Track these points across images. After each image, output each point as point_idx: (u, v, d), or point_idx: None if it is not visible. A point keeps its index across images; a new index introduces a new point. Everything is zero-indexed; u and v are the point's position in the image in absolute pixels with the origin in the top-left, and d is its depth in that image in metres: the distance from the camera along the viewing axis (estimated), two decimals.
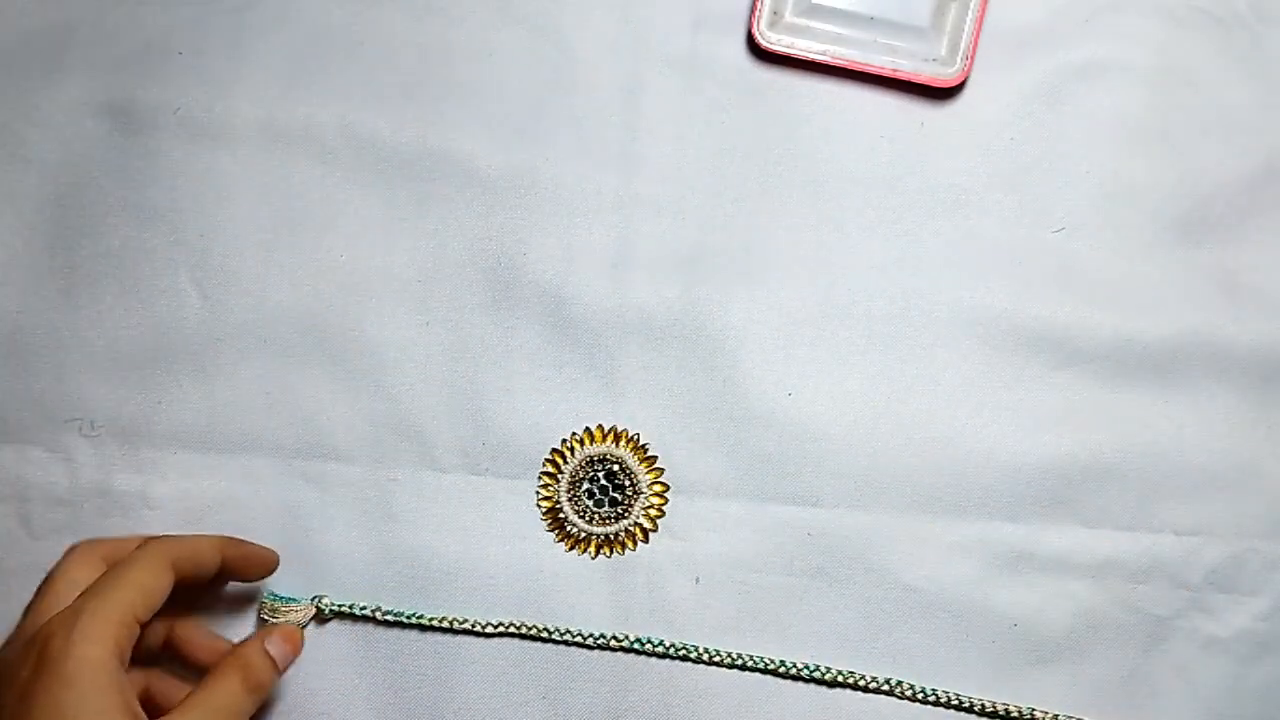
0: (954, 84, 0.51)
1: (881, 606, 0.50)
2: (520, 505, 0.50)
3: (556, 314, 0.51)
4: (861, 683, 0.49)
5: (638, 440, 0.51)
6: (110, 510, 0.50)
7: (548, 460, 0.51)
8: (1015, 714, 0.49)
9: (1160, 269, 0.51)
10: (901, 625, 0.50)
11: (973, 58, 0.51)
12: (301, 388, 0.51)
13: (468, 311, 0.51)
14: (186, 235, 0.51)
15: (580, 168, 0.52)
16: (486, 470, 0.50)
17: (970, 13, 0.51)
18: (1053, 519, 0.50)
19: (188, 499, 0.50)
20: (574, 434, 0.51)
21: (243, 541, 0.47)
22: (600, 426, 0.51)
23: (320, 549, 0.50)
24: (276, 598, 0.49)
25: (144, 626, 0.41)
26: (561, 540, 0.50)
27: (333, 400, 0.51)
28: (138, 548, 0.43)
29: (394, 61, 0.52)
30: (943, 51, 0.52)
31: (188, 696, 0.41)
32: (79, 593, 0.41)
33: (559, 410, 0.51)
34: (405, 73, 0.52)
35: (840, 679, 0.49)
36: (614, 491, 0.50)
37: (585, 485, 0.51)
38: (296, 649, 0.46)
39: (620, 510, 0.50)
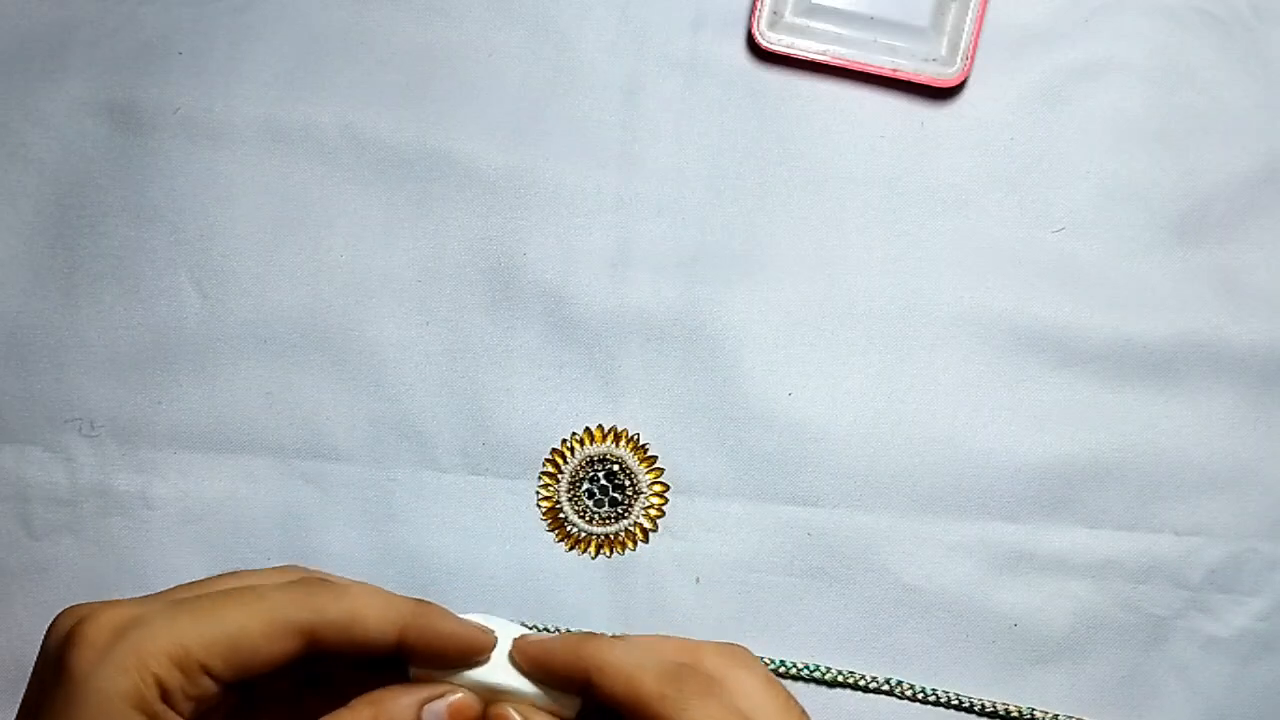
0: (954, 84, 0.51)
1: (881, 606, 0.50)
2: (520, 505, 0.50)
3: (556, 314, 0.51)
4: (861, 683, 0.49)
5: (638, 440, 0.51)
6: (110, 510, 0.50)
7: (548, 460, 0.51)
8: (1015, 714, 0.49)
9: (1160, 269, 0.51)
10: (901, 625, 0.50)
11: (973, 58, 0.51)
12: (301, 388, 0.51)
13: (468, 311, 0.51)
14: (186, 235, 0.51)
15: (580, 168, 0.52)
16: (486, 470, 0.50)
17: (970, 13, 0.51)
18: (1053, 519, 0.50)
19: (188, 499, 0.50)
20: (574, 434, 0.51)
21: (442, 615, 0.33)
22: (600, 426, 0.51)
23: (320, 549, 0.50)
24: None
25: (234, 685, 0.30)
26: (561, 540, 0.50)
27: (333, 400, 0.51)
28: (276, 585, 0.32)
29: (394, 61, 0.52)
30: (943, 51, 0.52)
31: None
32: None
33: (559, 410, 0.51)
34: (405, 73, 0.52)
35: (840, 679, 0.49)
36: (614, 491, 0.50)
37: (585, 485, 0.51)
38: None
39: (620, 510, 0.50)
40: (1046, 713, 0.49)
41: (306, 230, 0.51)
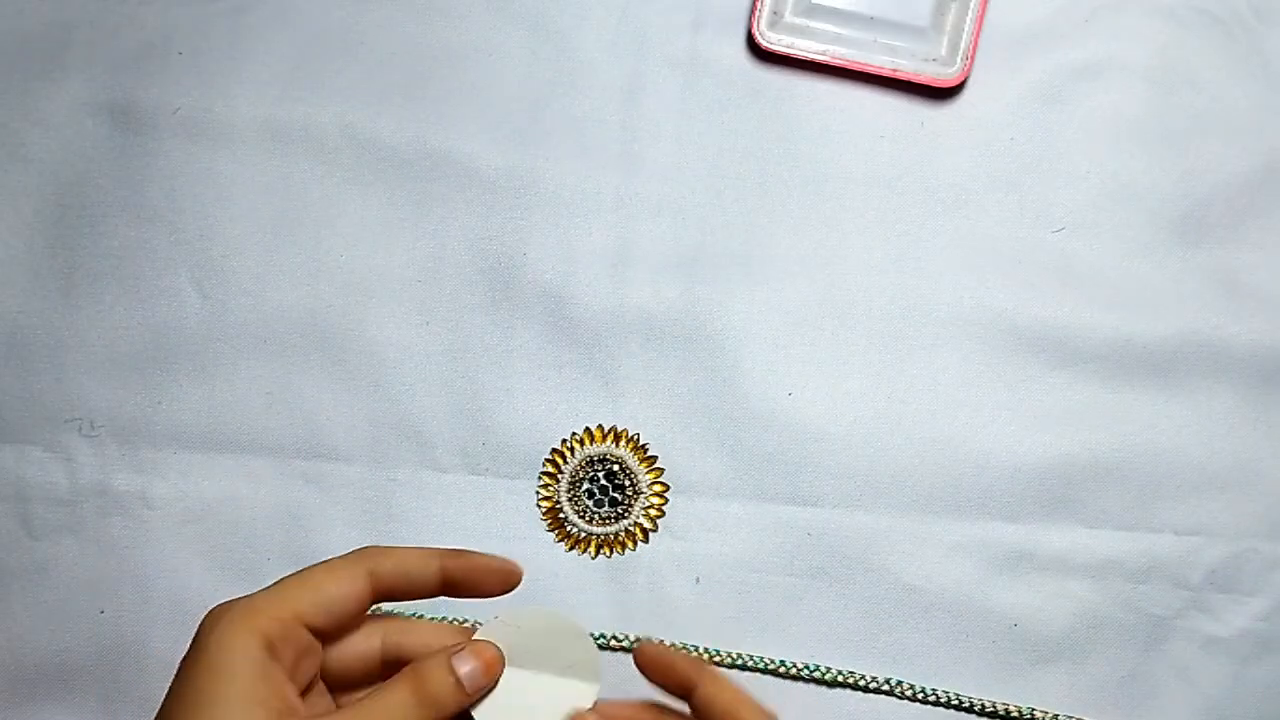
0: (954, 84, 0.51)
1: (881, 606, 0.50)
2: (520, 505, 0.50)
3: (556, 314, 0.51)
4: (861, 683, 0.49)
5: (638, 440, 0.51)
6: (110, 510, 0.50)
7: (548, 460, 0.51)
8: (1015, 714, 0.49)
9: (1160, 269, 0.51)
10: (901, 625, 0.50)
11: (973, 58, 0.51)
12: (301, 388, 0.51)
13: (468, 311, 0.51)
14: (186, 235, 0.51)
15: (580, 168, 0.52)
16: (486, 470, 0.50)
17: (970, 13, 0.51)
18: (1053, 519, 0.50)
19: (187, 499, 0.50)
20: (574, 434, 0.51)
21: (468, 553, 0.40)
22: (600, 426, 0.51)
23: (320, 549, 0.50)
24: None
25: (327, 634, 0.38)
26: (561, 540, 0.50)
27: (333, 400, 0.51)
28: (340, 555, 0.39)
29: (394, 61, 0.52)
30: (943, 51, 0.52)
31: (355, 701, 0.37)
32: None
33: (559, 410, 0.51)
34: (405, 73, 0.52)
35: (840, 679, 0.49)
36: (614, 491, 0.50)
37: (585, 485, 0.51)
38: (490, 671, 0.39)
39: (620, 510, 0.50)
40: (1046, 713, 0.49)
41: (306, 230, 0.51)
